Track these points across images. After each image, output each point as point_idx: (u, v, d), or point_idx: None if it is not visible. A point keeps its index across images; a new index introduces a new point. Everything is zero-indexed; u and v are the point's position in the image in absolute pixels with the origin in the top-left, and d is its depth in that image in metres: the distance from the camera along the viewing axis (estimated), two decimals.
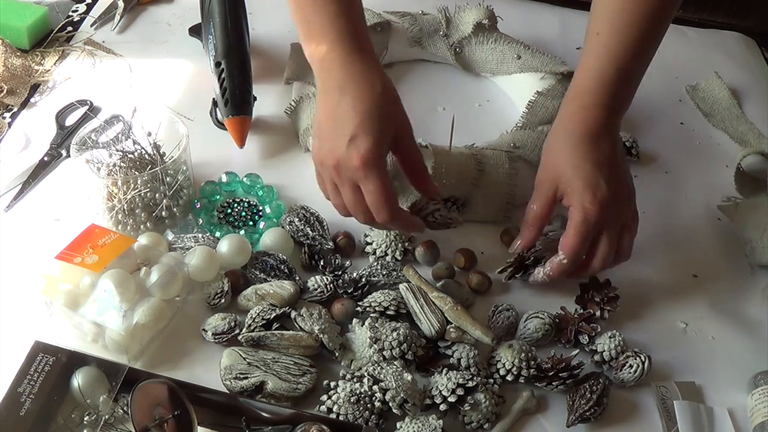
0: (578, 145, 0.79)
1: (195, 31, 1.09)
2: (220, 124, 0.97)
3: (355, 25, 0.79)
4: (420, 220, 0.81)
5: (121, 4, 1.13)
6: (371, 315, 0.78)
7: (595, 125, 0.80)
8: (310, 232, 0.85)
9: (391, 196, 0.75)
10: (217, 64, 0.93)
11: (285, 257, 0.82)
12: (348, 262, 0.84)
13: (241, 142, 0.92)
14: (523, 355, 0.76)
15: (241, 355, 0.73)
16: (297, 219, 0.86)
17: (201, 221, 0.85)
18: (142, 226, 0.83)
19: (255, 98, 0.95)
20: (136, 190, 0.80)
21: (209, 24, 0.96)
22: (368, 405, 0.71)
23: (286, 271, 0.81)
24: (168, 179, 0.83)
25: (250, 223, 0.87)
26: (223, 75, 0.92)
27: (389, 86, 0.78)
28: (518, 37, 1.10)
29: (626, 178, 0.82)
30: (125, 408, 0.68)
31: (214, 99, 0.97)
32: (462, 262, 0.86)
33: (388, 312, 0.77)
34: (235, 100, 0.91)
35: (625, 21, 0.80)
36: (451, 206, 0.90)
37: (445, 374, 0.74)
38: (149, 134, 0.83)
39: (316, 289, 0.80)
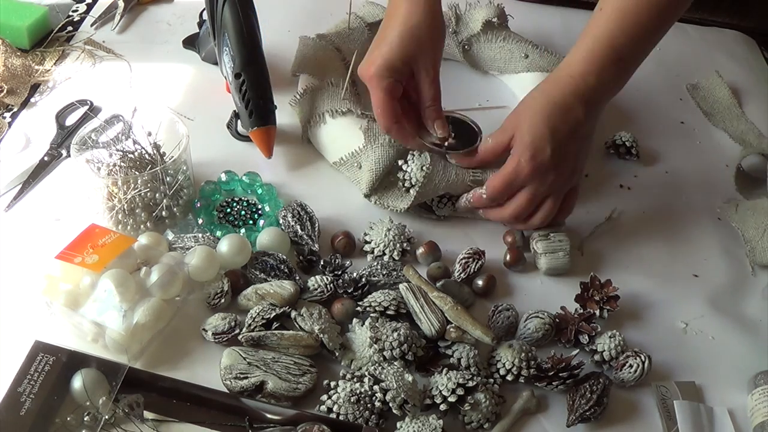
0: (546, 107, 0.82)
1: (189, 42, 1.08)
2: (242, 137, 0.96)
3: None
4: (417, 140, 0.88)
5: (121, 4, 1.13)
6: (371, 315, 0.78)
7: (571, 94, 0.82)
8: (299, 230, 0.85)
9: (387, 109, 0.85)
10: (237, 76, 0.90)
11: (285, 257, 0.82)
12: (348, 262, 0.84)
13: (269, 153, 0.91)
14: (523, 355, 0.76)
15: (241, 355, 0.73)
16: (290, 215, 0.86)
17: (201, 221, 0.85)
18: (142, 226, 0.83)
19: (275, 106, 0.93)
20: (136, 190, 0.80)
21: (223, 36, 0.93)
22: (368, 405, 0.71)
23: (286, 270, 0.81)
24: (168, 179, 0.83)
25: (250, 222, 0.87)
26: (245, 86, 0.90)
27: (430, 24, 0.86)
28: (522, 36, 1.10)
29: (576, 157, 0.84)
30: (125, 408, 0.68)
31: (234, 111, 0.96)
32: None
33: (388, 312, 0.77)
34: (260, 111, 0.90)
35: (630, 3, 0.82)
36: (447, 202, 0.90)
37: (445, 374, 0.74)
38: (149, 134, 0.83)
39: (316, 289, 0.80)
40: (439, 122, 0.88)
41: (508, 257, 0.87)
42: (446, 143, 0.89)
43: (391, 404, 0.70)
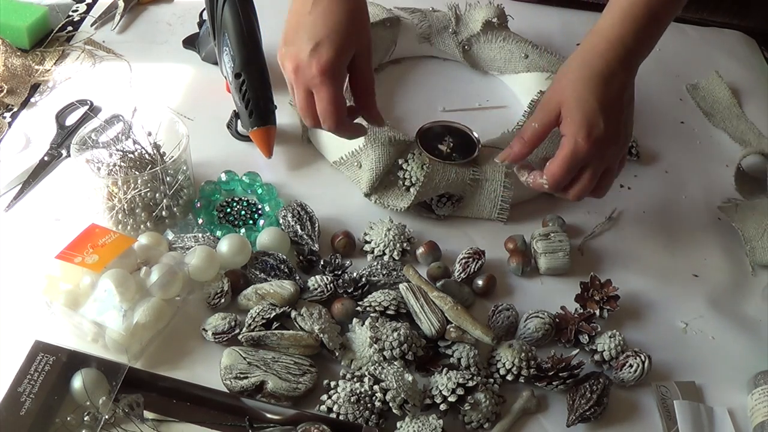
0: (590, 78, 0.79)
1: (189, 42, 1.08)
2: (242, 137, 0.96)
3: None
4: (363, 128, 0.85)
5: (121, 3, 1.13)
6: (371, 315, 0.78)
7: (612, 61, 0.79)
8: (299, 230, 0.85)
9: (341, 107, 0.79)
10: (237, 76, 0.90)
11: (285, 257, 0.82)
12: (348, 262, 0.84)
13: (269, 153, 0.91)
14: (523, 354, 0.76)
15: (241, 355, 0.73)
16: (290, 215, 0.86)
17: (201, 221, 0.85)
18: (142, 226, 0.83)
19: (275, 106, 0.93)
20: (136, 190, 0.80)
21: (223, 36, 0.93)
22: (368, 405, 0.71)
23: (286, 270, 0.81)
24: (168, 179, 0.83)
25: (250, 222, 0.87)
26: (245, 86, 0.90)
27: (361, 4, 0.82)
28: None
29: (626, 124, 0.81)
30: (125, 408, 0.68)
31: (234, 111, 0.96)
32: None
33: (388, 312, 0.77)
34: (260, 111, 0.90)
35: None
36: (447, 202, 0.90)
37: (445, 374, 0.74)
38: (149, 134, 0.83)
39: (316, 289, 0.80)
40: (377, 113, 0.85)
41: (515, 262, 0.87)
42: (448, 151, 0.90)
43: (391, 404, 0.70)
